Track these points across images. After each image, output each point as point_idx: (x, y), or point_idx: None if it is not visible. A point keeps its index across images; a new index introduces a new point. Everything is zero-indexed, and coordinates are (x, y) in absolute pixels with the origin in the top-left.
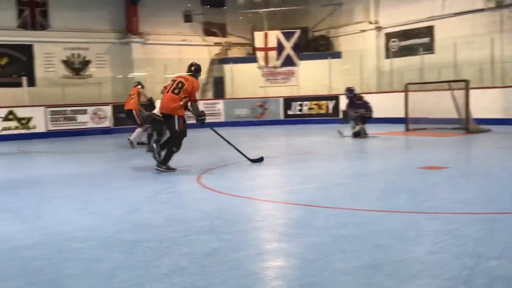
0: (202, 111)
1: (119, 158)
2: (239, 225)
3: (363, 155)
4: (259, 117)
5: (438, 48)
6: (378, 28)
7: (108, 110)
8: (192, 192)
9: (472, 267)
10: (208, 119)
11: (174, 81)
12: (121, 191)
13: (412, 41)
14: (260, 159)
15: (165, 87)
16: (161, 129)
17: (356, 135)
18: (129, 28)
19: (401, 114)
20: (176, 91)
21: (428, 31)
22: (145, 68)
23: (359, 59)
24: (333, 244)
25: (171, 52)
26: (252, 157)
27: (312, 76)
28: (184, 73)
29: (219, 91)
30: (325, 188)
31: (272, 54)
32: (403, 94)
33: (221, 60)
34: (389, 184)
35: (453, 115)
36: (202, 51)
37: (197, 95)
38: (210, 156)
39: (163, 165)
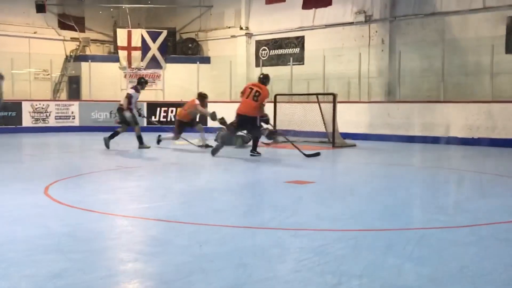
0: (266, 113)
1: None
2: (91, 243)
3: (230, 168)
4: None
5: (308, 59)
6: (249, 35)
7: None
8: (37, 205)
9: (335, 286)
10: (61, 123)
11: (251, 89)
12: None
13: (282, 50)
14: (317, 154)
15: (242, 93)
16: None
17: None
18: None
19: None
20: (255, 98)
21: (299, 42)
22: None
23: (228, 65)
24: (194, 263)
25: (19, 45)
26: (308, 153)
27: (179, 81)
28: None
29: (74, 91)
30: (188, 202)
31: (136, 54)
32: (272, 104)
33: (78, 58)
34: (256, 199)
35: (321, 128)
36: (56, 46)
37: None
38: (61, 164)
39: (255, 150)
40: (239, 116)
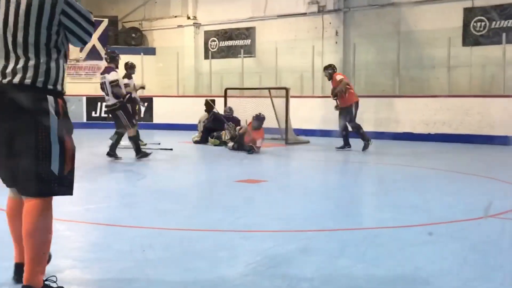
0: None
1: None
2: None
3: (177, 166)
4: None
5: (259, 51)
6: (197, 25)
7: None
8: None
9: None
10: None
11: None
12: None
13: (232, 42)
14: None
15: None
16: None
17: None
18: None
19: None
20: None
21: (249, 33)
22: None
23: (175, 57)
24: (136, 269)
25: None
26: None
27: (122, 73)
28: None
29: None
30: (131, 204)
31: None
32: (222, 99)
33: None
34: (204, 199)
35: (273, 124)
36: None
37: None
38: None
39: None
40: (357, 104)
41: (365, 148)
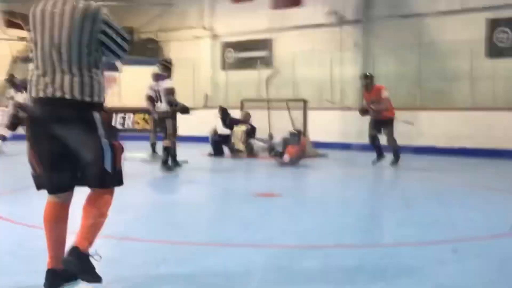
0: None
1: None
2: (37, 263)
3: (192, 179)
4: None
5: (277, 63)
6: (214, 36)
7: None
8: None
9: None
10: None
11: None
12: None
13: (250, 53)
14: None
15: None
16: None
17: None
18: None
19: None
20: None
21: (267, 44)
22: None
23: (191, 68)
24: (149, 284)
25: None
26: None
27: (137, 85)
28: None
29: None
30: (145, 217)
31: None
32: (238, 110)
33: (27, 59)
34: (219, 213)
35: None
36: (1, 46)
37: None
38: (6, 174)
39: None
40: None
41: (375, 163)
